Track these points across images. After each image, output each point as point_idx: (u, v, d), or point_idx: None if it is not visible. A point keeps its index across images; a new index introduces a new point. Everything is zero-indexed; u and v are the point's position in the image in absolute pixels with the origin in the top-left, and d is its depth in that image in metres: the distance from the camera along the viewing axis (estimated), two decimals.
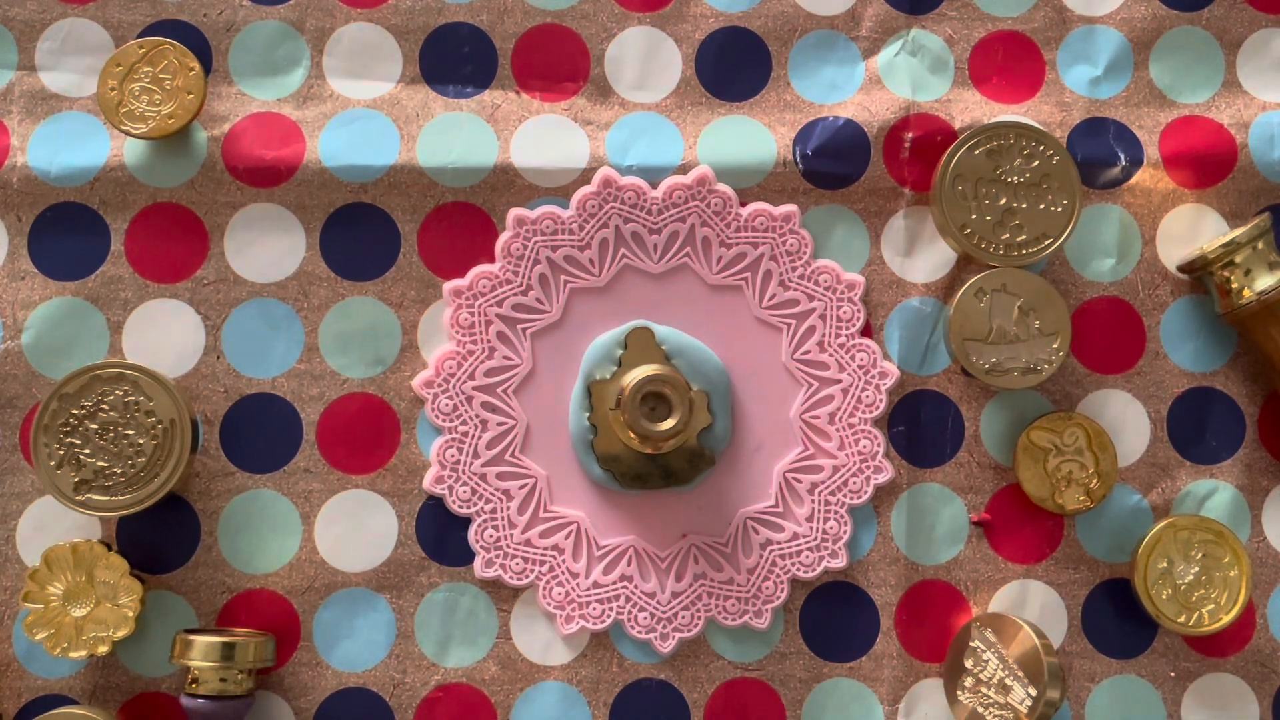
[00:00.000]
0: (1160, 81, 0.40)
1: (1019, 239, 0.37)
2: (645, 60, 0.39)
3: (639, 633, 0.36)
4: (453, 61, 0.39)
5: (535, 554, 0.36)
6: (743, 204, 0.36)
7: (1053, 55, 0.40)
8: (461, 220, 0.38)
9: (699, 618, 0.36)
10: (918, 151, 0.39)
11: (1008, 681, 0.36)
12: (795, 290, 0.36)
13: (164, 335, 0.38)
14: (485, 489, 0.36)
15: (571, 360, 0.36)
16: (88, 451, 0.35)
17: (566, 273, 0.34)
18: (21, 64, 0.39)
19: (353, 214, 0.38)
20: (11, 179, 0.38)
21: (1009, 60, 0.40)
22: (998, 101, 0.39)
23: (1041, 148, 0.38)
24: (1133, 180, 0.39)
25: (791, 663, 0.37)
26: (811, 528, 0.36)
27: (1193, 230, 0.39)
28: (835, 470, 0.36)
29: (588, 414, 0.35)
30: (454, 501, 0.36)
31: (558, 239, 0.34)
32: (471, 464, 0.36)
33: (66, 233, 0.38)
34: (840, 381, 0.36)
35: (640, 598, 0.36)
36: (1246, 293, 0.37)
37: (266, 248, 0.38)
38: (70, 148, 0.38)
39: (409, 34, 0.39)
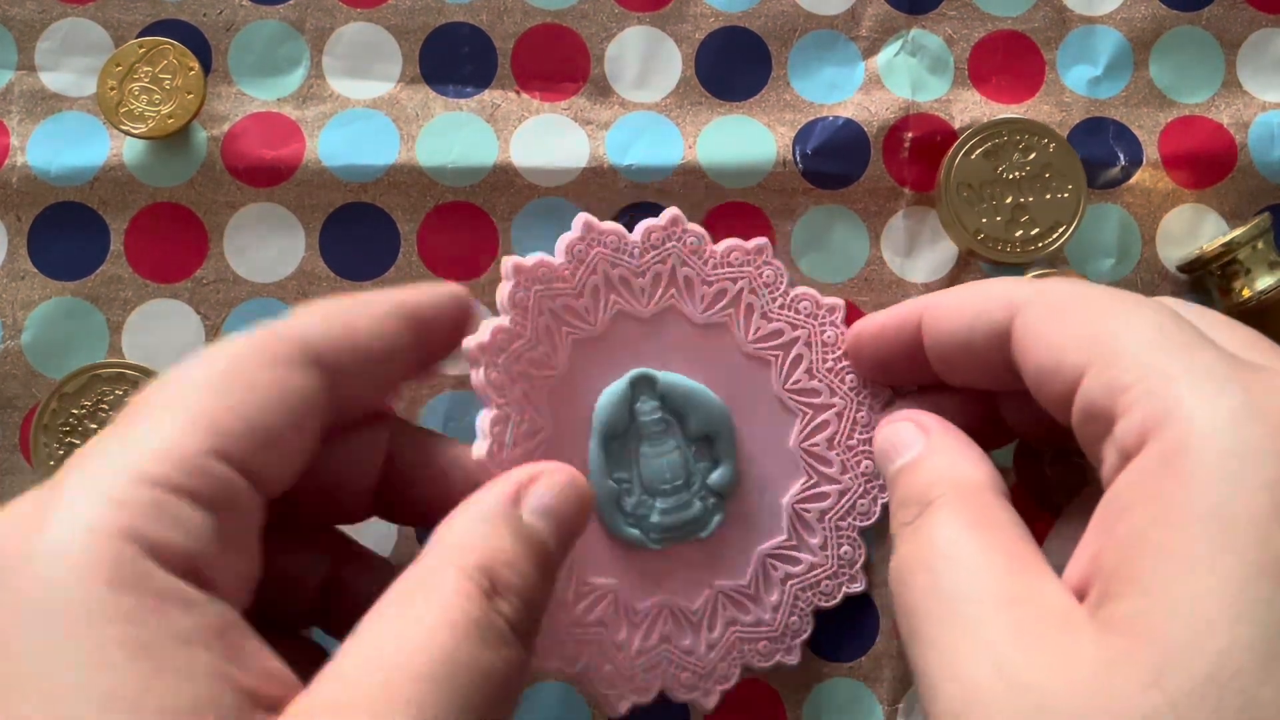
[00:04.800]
0: (1160, 81, 0.40)
1: (1033, 232, 0.37)
2: (645, 60, 0.39)
3: (683, 694, 0.34)
4: (452, 61, 0.39)
5: (582, 634, 0.32)
6: (716, 240, 0.35)
7: (1052, 55, 0.40)
8: (461, 220, 0.38)
9: (734, 665, 0.34)
10: (917, 151, 0.39)
11: None
12: (777, 321, 0.35)
13: (164, 335, 0.38)
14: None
15: (582, 418, 0.33)
16: None
17: (566, 323, 0.33)
18: (21, 64, 0.39)
19: (352, 214, 0.38)
20: (11, 179, 0.38)
21: (1009, 60, 0.40)
22: (997, 101, 0.39)
23: (1037, 139, 0.38)
24: (1132, 180, 0.39)
25: None
26: (826, 555, 0.35)
27: (1192, 230, 0.39)
28: (841, 495, 0.35)
29: (617, 471, 0.33)
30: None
31: (554, 287, 0.32)
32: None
33: (66, 232, 0.38)
34: (834, 406, 0.35)
35: (680, 657, 0.34)
36: (1246, 292, 0.37)
37: (266, 247, 0.38)
38: (70, 147, 0.38)
39: (409, 34, 0.39)
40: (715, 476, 0.34)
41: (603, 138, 0.38)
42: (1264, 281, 0.37)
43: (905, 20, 0.40)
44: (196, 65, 0.37)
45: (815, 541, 0.35)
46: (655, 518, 0.33)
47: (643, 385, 0.33)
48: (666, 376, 0.34)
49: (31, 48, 0.39)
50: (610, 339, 0.33)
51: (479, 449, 0.30)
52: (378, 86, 0.39)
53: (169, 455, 0.21)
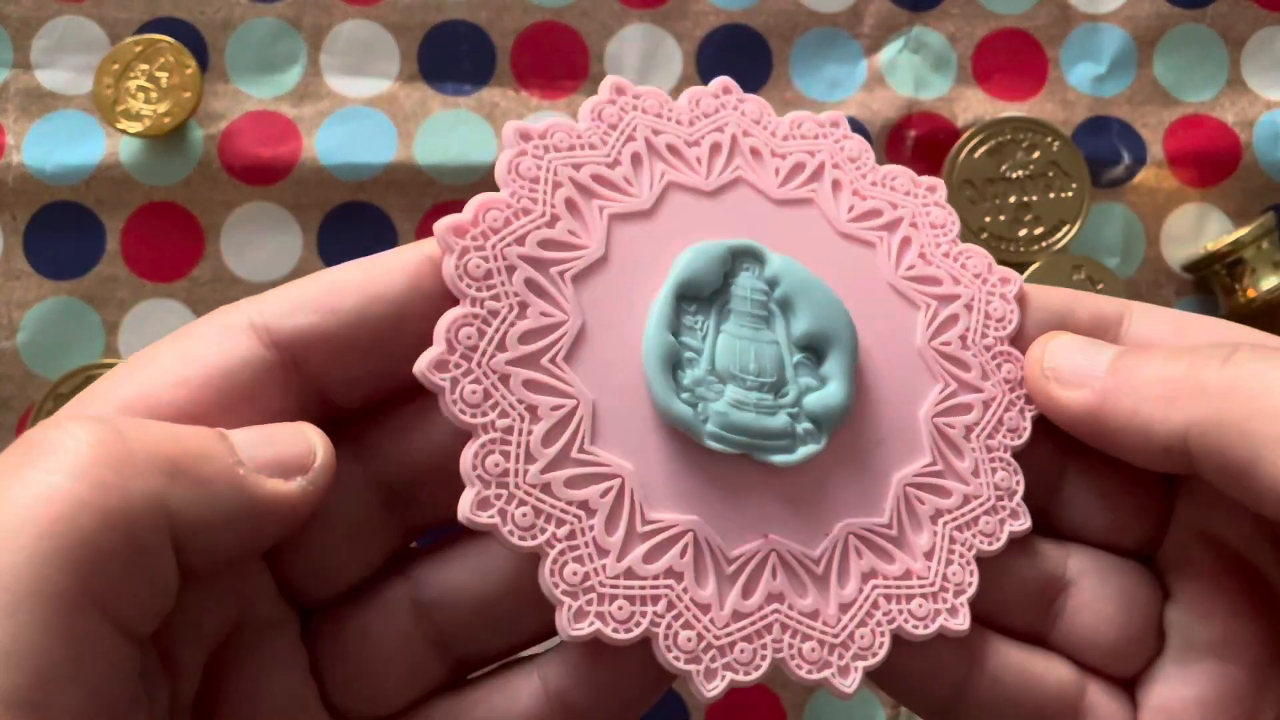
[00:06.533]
0: (1164, 80, 0.40)
1: (1037, 231, 0.37)
2: (645, 58, 0.39)
3: (678, 659, 0.24)
4: (451, 59, 0.39)
5: (553, 507, 0.24)
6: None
7: (1056, 53, 0.40)
8: None
9: (762, 657, 0.24)
10: (920, 150, 0.38)
11: None
12: (938, 268, 0.27)
13: (160, 335, 0.37)
14: (503, 396, 0.24)
15: (628, 313, 0.25)
16: None
17: (598, 196, 0.25)
18: (17, 62, 0.39)
19: (350, 212, 0.38)
20: (7, 178, 0.37)
21: (1012, 58, 0.40)
22: (1001, 99, 0.39)
23: (1041, 137, 0.37)
24: (1137, 179, 0.39)
25: None
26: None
27: (1197, 229, 0.39)
28: (965, 500, 0.27)
29: (687, 337, 0.25)
30: (456, 401, 0.23)
31: (579, 154, 0.26)
32: (493, 356, 0.24)
33: (62, 232, 0.37)
34: (981, 391, 0.27)
35: (688, 608, 0.24)
36: (1251, 292, 0.37)
37: (263, 247, 0.38)
38: (66, 146, 0.38)
39: (407, 31, 0.39)
40: (817, 397, 0.25)
41: None
42: (1269, 281, 0.37)
43: (908, 18, 0.39)
44: (193, 63, 0.37)
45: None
46: (720, 405, 0.24)
47: (745, 259, 0.26)
48: (781, 258, 0.26)
49: (27, 45, 0.39)
50: (662, 216, 0.26)
51: (423, 360, 0.23)
52: (375, 84, 0.39)
53: None
